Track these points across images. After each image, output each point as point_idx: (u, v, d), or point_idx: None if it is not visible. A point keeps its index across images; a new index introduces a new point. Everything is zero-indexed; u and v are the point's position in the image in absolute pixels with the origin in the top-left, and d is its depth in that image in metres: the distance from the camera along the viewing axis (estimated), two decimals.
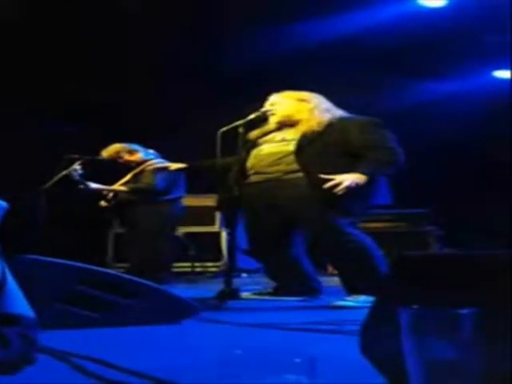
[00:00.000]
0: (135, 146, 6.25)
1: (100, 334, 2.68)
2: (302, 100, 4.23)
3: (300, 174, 4.00)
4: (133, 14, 6.73)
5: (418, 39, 7.13)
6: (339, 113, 4.21)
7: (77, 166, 5.92)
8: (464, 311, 1.05)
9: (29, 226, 6.35)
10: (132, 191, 6.05)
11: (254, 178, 4.22)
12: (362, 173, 3.83)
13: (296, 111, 4.21)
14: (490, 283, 1.24)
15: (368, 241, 3.96)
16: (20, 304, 1.48)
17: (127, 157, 6.20)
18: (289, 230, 4.23)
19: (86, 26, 6.73)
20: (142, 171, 6.13)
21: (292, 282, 4.29)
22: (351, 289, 3.88)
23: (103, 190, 6.16)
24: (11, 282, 1.48)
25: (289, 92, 4.30)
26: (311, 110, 4.15)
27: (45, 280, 2.66)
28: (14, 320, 1.43)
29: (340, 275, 4.07)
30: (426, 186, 7.88)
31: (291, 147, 4.08)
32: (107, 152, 6.20)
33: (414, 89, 8.24)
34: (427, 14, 6.89)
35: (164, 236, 6.14)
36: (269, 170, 4.15)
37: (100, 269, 3.08)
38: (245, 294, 4.29)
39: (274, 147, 4.20)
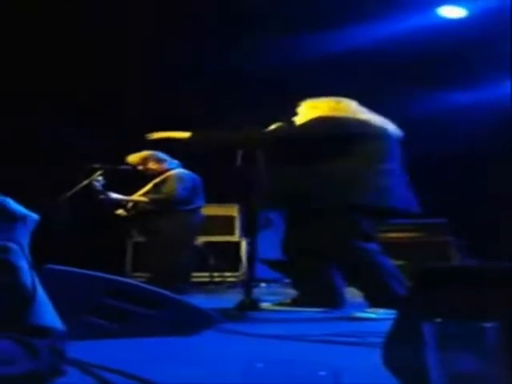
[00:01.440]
0: (163, 156, 6.26)
1: (120, 345, 2.68)
2: (314, 107, 4.18)
3: None
4: (140, 17, 6.77)
5: (437, 50, 7.12)
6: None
7: (99, 177, 5.95)
8: (488, 324, 1.04)
9: (49, 235, 6.38)
10: (152, 202, 6.06)
11: None
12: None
13: (306, 119, 4.17)
14: None
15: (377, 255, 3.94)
16: (50, 316, 1.49)
17: (151, 165, 6.21)
18: None
19: (87, 27, 6.80)
20: (163, 181, 6.15)
21: (319, 292, 4.23)
22: (374, 302, 3.83)
23: (124, 200, 6.18)
24: (41, 294, 1.49)
25: (310, 100, 4.26)
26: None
27: (66, 291, 2.67)
28: (43, 332, 1.44)
29: (361, 291, 4.04)
30: (447, 195, 7.82)
31: None
32: (134, 158, 6.21)
33: (434, 99, 8.21)
34: (448, 25, 6.87)
35: (184, 246, 6.14)
36: None
37: (121, 279, 3.09)
38: (265, 305, 4.27)
39: None
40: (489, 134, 8.01)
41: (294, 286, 4.46)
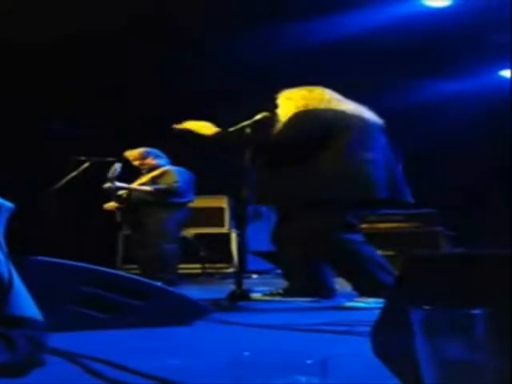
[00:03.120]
0: (159, 152, 6.38)
1: (110, 336, 2.68)
2: (288, 98, 4.15)
3: None
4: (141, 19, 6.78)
5: (423, 39, 7.12)
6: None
7: (117, 165, 6.00)
8: (476, 311, 1.04)
9: (38, 227, 6.38)
10: (156, 191, 6.10)
11: None
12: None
13: (281, 112, 4.16)
14: (501, 283, 1.23)
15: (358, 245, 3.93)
16: (27, 306, 1.47)
17: (150, 160, 6.30)
18: None
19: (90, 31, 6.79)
20: (161, 174, 6.21)
21: (308, 282, 4.19)
22: (362, 292, 3.84)
23: (127, 188, 6.21)
24: (18, 284, 1.47)
25: (286, 90, 4.22)
26: (290, 110, 4.07)
27: (55, 282, 2.66)
28: (20, 322, 1.42)
29: (348, 281, 4.03)
30: (436, 185, 7.85)
31: None
32: (133, 153, 6.28)
33: (421, 89, 8.22)
34: (432, 14, 6.87)
35: (171, 238, 6.17)
36: None
37: (110, 270, 3.08)
38: (255, 296, 4.27)
39: None
40: (474, 124, 8.04)
41: (284, 276, 4.47)
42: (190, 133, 4.15)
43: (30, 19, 6.47)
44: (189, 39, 7.25)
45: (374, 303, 3.53)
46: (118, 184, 6.09)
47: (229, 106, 7.45)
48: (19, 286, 1.47)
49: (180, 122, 4.20)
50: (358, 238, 3.96)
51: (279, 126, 4.08)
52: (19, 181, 5.72)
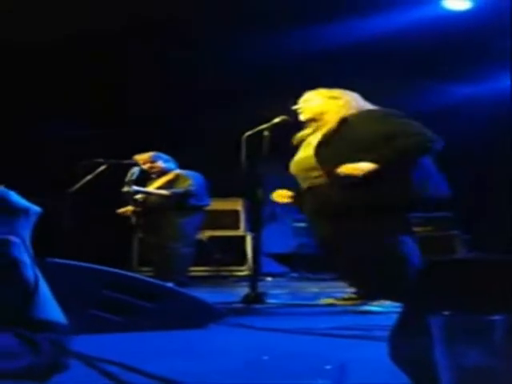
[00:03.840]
0: (168, 156, 6.41)
1: (125, 339, 2.67)
2: (333, 97, 4.09)
3: (322, 180, 3.90)
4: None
5: (441, 42, 7.09)
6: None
7: (135, 168, 6.03)
8: (496, 317, 1.03)
9: (54, 229, 6.40)
10: (174, 195, 6.12)
11: (302, 184, 4.10)
12: (372, 161, 3.72)
13: (326, 109, 4.07)
14: None
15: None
16: (52, 310, 1.48)
17: (160, 163, 6.32)
18: None
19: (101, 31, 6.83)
20: (175, 178, 6.24)
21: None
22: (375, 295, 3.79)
23: (145, 192, 6.23)
24: (44, 288, 1.48)
25: (322, 89, 4.17)
26: (340, 109, 4.02)
27: (70, 284, 2.67)
28: (46, 326, 1.43)
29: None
30: (452, 189, 7.79)
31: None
32: (144, 156, 6.31)
33: (438, 91, 8.18)
34: (449, 17, 6.85)
35: (188, 241, 6.18)
36: (303, 175, 4.05)
37: (125, 273, 3.08)
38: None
39: (304, 151, 4.08)
40: (492, 127, 7.99)
41: (346, 279, 4.30)
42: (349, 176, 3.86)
43: (30, 19, 6.48)
44: (189, 39, 7.24)
45: (390, 307, 3.51)
46: (136, 188, 6.12)
47: (229, 106, 7.47)
48: (45, 290, 1.48)
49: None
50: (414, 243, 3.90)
51: (326, 125, 4.00)
52: (19, 181, 5.72)
